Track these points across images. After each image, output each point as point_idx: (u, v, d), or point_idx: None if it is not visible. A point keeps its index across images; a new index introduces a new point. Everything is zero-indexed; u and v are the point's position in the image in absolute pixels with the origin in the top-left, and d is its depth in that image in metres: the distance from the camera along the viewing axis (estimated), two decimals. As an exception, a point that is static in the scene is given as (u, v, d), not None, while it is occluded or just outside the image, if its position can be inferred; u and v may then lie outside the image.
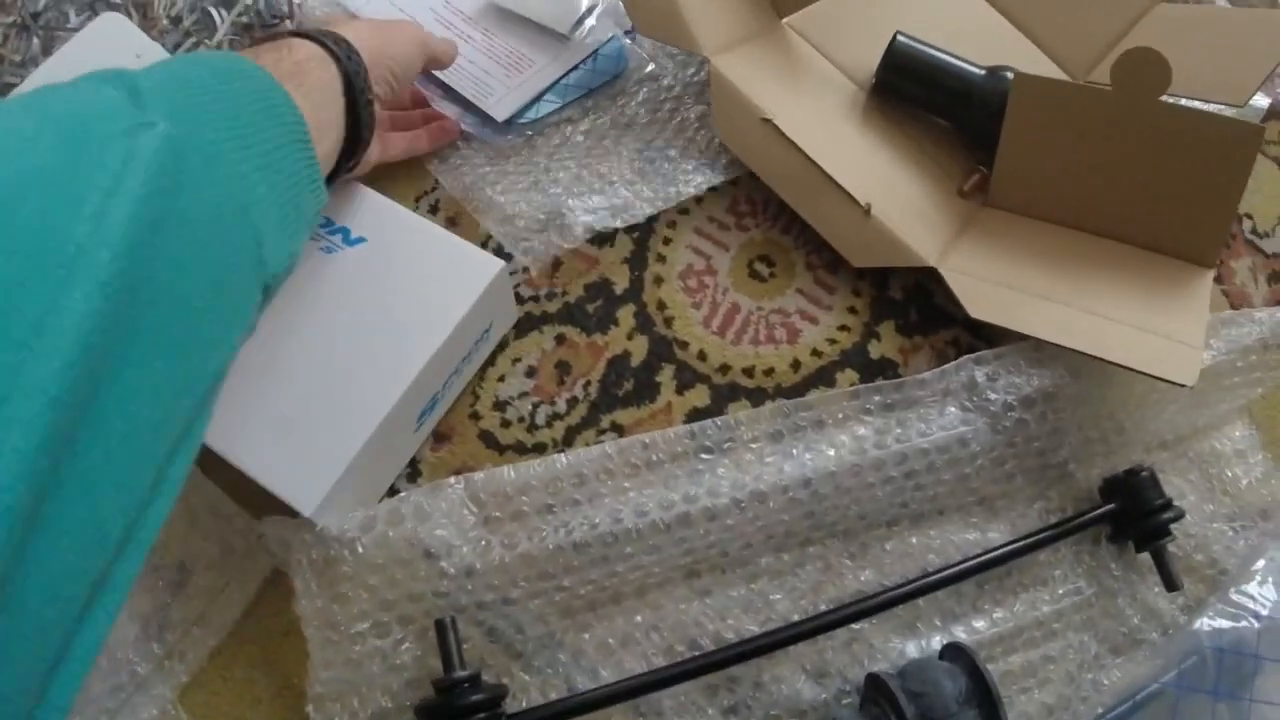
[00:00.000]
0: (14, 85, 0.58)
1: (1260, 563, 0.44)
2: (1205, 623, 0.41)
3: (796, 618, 0.46)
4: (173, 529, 0.48)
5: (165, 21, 0.57)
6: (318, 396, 0.42)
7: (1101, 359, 0.46)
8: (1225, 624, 0.41)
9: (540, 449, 0.49)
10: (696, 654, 0.45)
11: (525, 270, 0.53)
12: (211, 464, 0.48)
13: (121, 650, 0.46)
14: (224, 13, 0.58)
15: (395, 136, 0.53)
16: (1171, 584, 0.47)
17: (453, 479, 0.44)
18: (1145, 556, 0.49)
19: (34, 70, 0.58)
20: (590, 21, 0.60)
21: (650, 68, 0.60)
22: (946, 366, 0.49)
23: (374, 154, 0.49)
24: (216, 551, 0.48)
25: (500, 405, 0.50)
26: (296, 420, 0.42)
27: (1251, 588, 0.42)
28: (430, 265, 0.45)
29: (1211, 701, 0.39)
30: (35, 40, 0.58)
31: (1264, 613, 0.41)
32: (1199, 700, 0.39)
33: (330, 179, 0.43)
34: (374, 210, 0.46)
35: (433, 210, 0.55)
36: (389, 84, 0.46)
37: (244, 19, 0.58)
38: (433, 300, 0.44)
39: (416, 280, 0.44)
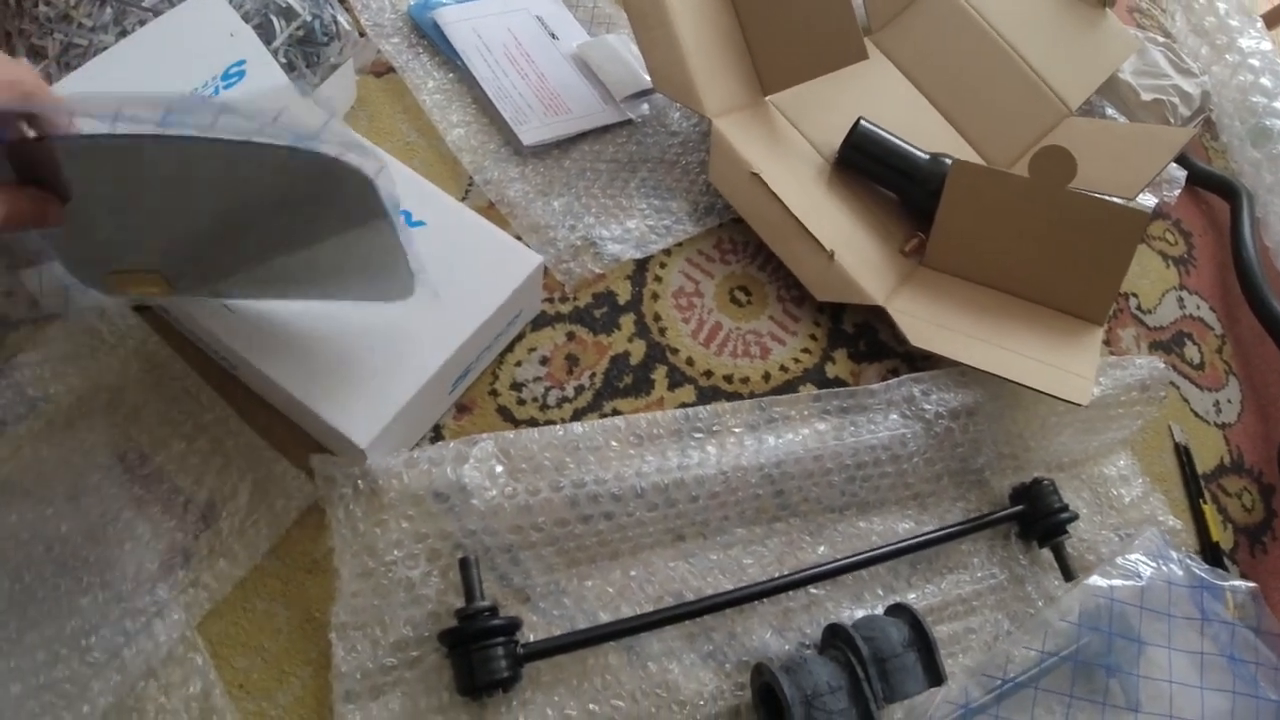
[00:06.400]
0: (80, 46, 0.58)
1: (1140, 539, 0.54)
2: (1098, 580, 0.51)
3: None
4: (206, 467, 0.52)
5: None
6: (377, 350, 0.49)
7: (1014, 382, 0.57)
8: (1118, 582, 0.50)
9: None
10: (681, 603, 0.52)
11: (561, 287, 0.61)
12: (252, 409, 0.53)
13: (147, 576, 0.49)
14: (283, 23, 0.64)
15: None
16: (1068, 575, 0.57)
17: (484, 435, 0.51)
18: (1047, 553, 0.59)
19: (105, 37, 0.58)
20: (645, 106, 0.70)
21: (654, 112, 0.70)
22: (890, 381, 0.59)
23: None
24: (248, 491, 0.51)
25: (516, 386, 0.57)
26: (357, 368, 0.48)
27: (1134, 557, 0.52)
28: (480, 253, 0.52)
29: (1107, 641, 0.48)
30: (108, 9, 0.61)
31: (1146, 573, 0.51)
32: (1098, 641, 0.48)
33: None
34: (433, 200, 0.53)
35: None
36: None
37: (300, 32, 0.64)
38: (481, 281, 0.51)
39: (468, 263, 0.52)
